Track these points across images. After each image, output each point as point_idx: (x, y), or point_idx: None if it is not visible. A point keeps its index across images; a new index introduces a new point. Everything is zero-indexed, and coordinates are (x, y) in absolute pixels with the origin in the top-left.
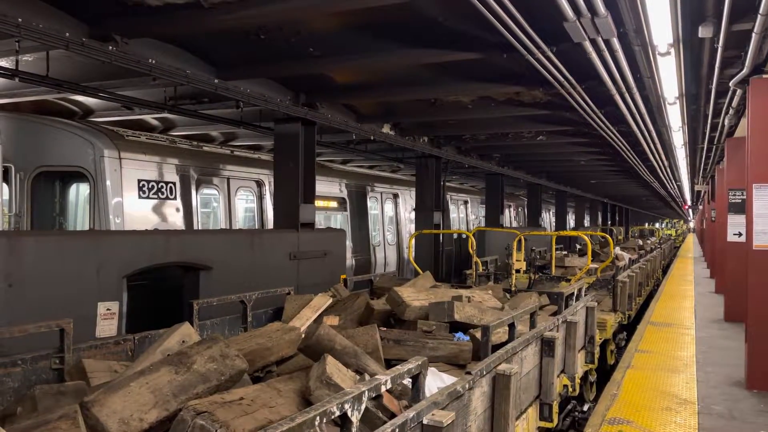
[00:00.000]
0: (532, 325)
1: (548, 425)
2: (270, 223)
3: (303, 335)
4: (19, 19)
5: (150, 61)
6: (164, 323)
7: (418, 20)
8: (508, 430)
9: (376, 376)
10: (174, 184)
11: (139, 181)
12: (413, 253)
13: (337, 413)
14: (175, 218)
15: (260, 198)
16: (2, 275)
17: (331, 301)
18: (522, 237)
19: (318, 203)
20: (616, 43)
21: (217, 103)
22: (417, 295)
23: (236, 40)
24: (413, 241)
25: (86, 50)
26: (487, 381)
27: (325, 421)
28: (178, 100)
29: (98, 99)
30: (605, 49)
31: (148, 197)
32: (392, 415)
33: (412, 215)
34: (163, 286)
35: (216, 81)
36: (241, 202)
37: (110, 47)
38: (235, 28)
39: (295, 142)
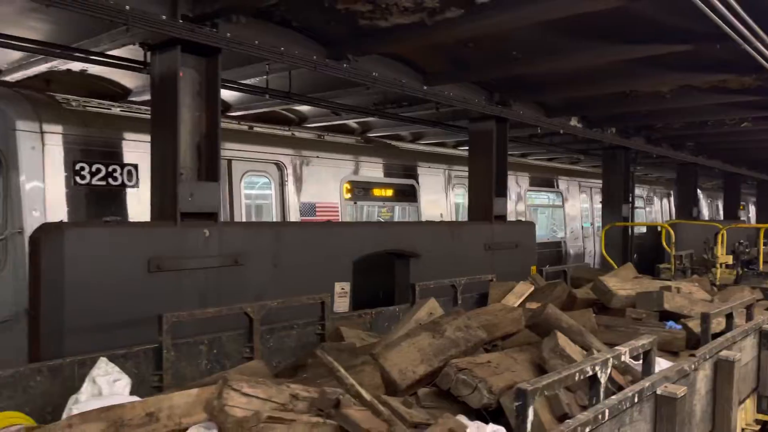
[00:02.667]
0: (749, 318)
1: (766, 418)
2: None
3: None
4: (282, 48)
5: (374, 74)
6: (379, 302)
7: (622, 18)
8: (731, 414)
9: (616, 347)
10: (135, 168)
11: (75, 163)
12: (604, 246)
13: (590, 372)
14: (136, 211)
15: (281, 185)
16: (271, 257)
17: (532, 288)
18: (725, 231)
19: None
20: None
21: (416, 106)
22: (622, 284)
23: (445, 50)
24: (604, 233)
25: (327, 69)
26: (710, 365)
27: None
28: (380, 105)
29: (315, 107)
30: None
31: (89, 184)
32: (619, 388)
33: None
34: (373, 270)
35: (425, 88)
36: (249, 190)
37: (344, 65)
38: (448, 41)
39: (488, 139)
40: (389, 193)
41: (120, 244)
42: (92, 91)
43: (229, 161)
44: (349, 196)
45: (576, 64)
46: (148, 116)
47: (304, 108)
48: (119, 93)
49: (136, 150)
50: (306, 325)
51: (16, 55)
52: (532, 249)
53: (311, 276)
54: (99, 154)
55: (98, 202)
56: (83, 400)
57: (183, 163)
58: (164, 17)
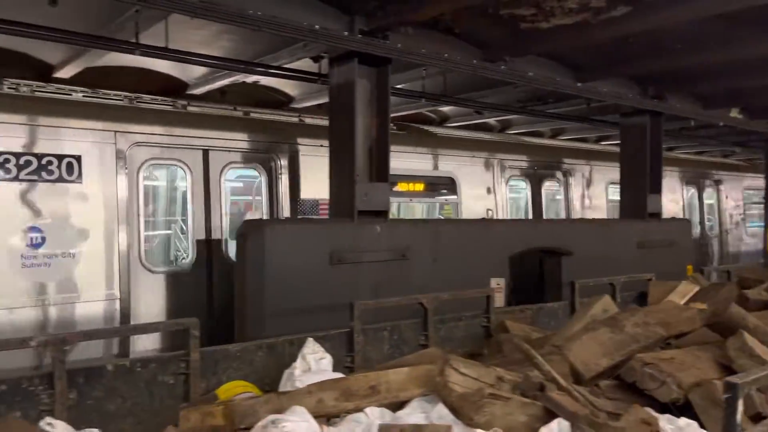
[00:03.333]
0: None
1: None
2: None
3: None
4: (445, 54)
5: (529, 74)
6: (529, 299)
7: None
8: None
9: None
10: (78, 159)
11: None
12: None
13: None
14: (82, 213)
15: (274, 177)
16: (431, 252)
17: (697, 288)
18: None
19: None
20: None
21: (563, 102)
22: None
23: (599, 46)
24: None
25: (485, 71)
26: None
27: None
28: (525, 102)
29: (460, 107)
30: None
31: (16, 178)
32: None
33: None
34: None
35: (579, 84)
36: (234, 187)
37: (501, 66)
38: (609, 38)
39: (641, 134)
40: (419, 187)
41: (308, 239)
42: (260, 100)
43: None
44: None
45: (739, 54)
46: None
47: (446, 108)
48: (284, 101)
49: (82, 140)
50: (473, 317)
51: (202, 70)
52: (688, 247)
53: (467, 271)
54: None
55: (25, 200)
56: (297, 375)
57: (358, 166)
58: (346, 33)
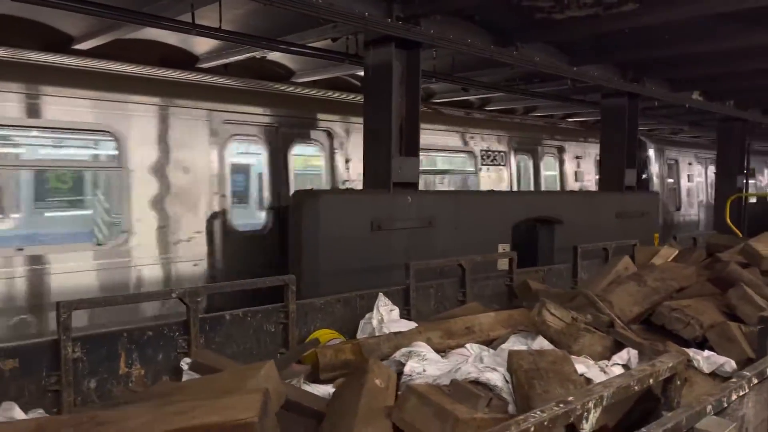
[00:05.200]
0: None
1: None
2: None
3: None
4: (468, 40)
5: (535, 59)
6: (522, 263)
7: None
8: None
9: None
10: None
11: None
12: (729, 215)
13: None
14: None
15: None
16: (453, 221)
17: (677, 252)
18: None
19: None
20: None
21: (546, 83)
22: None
23: (594, 35)
24: (729, 204)
25: (500, 56)
26: None
27: None
28: (511, 81)
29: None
30: None
31: None
32: None
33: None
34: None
35: (574, 69)
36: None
37: (513, 51)
38: (612, 30)
39: (621, 114)
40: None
41: (353, 207)
42: (260, 73)
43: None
44: None
45: (723, 47)
46: None
47: (433, 85)
48: (284, 74)
49: None
50: (497, 277)
51: (213, 45)
52: (655, 218)
53: (481, 238)
54: None
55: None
56: (375, 324)
57: (393, 141)
58: (389, 20)
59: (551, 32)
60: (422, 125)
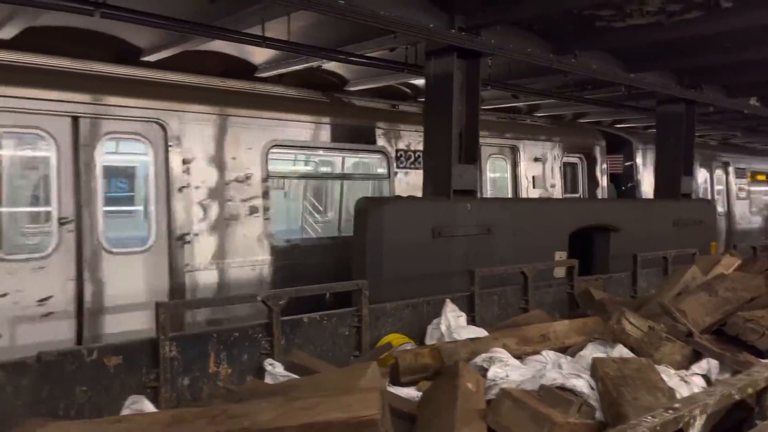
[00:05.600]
0: None
1: None
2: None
3: None
4: (528, 49)
5: (593, 66)
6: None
7: None
8: None
9: None
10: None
11: None
12: None
13: None
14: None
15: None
16: (511, 228)
17: (739, 261)
18: None
19: None
20: None
21: (599, 89)
22: None
23: (652, 41)
24: None
25: (559, 64)
26: None
27: None
28: (563, 88)
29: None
30: None
31: None
32: None
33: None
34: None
35: (632, 76)
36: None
37: (572, 59)
38: (675, 38)
39: (677, 121)
40: None
41: (415, 215)
42: (314, 83)
43: None
44: None
45: None
46: None
47: (485, 93)
48: (337, 83)
49: None
50: (559, 284)
51: (272, 56)
52: (712, 226)
53: (538, 245)
54: None
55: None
56: (443, 330)
57: (453, 149)
58: (453, 31)
59: (609, 40)
60: None
